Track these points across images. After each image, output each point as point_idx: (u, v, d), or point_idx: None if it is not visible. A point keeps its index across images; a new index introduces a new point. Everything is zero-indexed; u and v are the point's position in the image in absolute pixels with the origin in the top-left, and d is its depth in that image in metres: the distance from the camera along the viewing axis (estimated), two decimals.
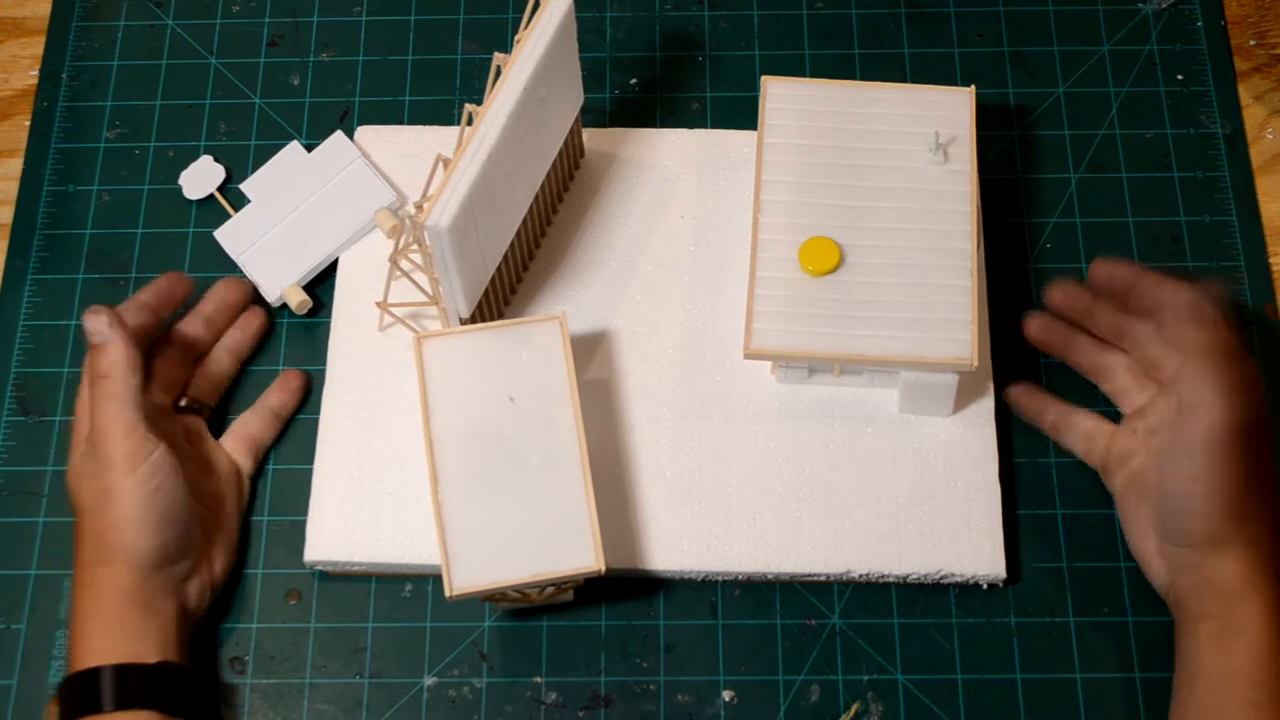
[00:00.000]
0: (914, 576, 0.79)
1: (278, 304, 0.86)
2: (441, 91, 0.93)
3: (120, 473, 0.74)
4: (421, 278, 0.80)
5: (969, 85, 0.84)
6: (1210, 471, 0.71)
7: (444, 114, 0.92)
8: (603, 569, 0.73)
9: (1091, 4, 0.95)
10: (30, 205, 0.90)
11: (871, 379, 0.82)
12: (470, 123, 0.76)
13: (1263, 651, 0.70)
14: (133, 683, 0.72)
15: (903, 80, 0.92)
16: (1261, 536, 0.72)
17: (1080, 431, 0.79)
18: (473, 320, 0.80)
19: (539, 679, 0.78)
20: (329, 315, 0.86)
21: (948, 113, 0.83)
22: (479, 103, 0.76)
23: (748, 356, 0.78)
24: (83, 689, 0.71)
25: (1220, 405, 0.70)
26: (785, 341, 0.78)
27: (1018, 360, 0.84)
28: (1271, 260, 0.87)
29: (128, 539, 0.74)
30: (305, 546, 0.79)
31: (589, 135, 0.89)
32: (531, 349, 0.78)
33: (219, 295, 0.85)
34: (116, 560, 0.74)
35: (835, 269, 0.79)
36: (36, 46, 0.96)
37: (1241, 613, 0.71)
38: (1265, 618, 0.70)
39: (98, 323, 0.75)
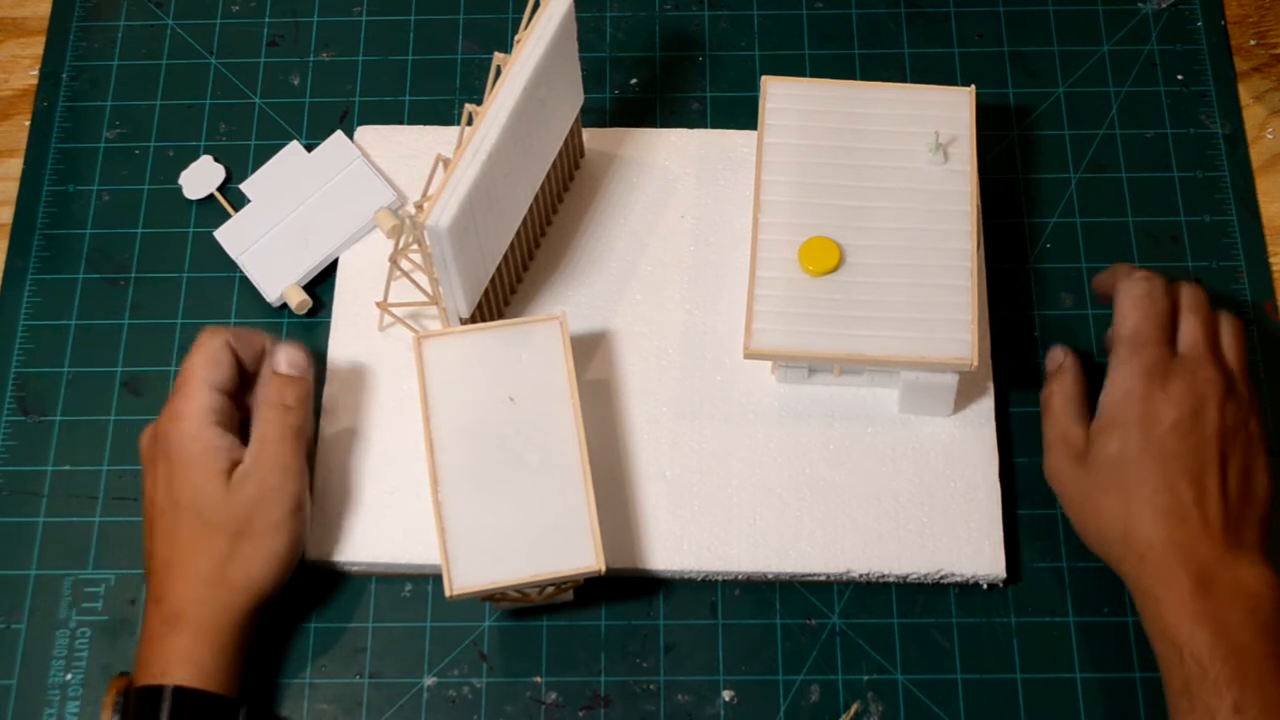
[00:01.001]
0: (914, 576, 0.79)
1: (278, 304, 0.86)
2: (441, 91, 0.93)
3: (289, 509, 0.76)
4: (421, 278, 0.80)
5: (969, 85, 0.84)
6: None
7: (444, 114, 0.92)
8: (603, 569, 0.73)
9: (1091, 4, 0.95)
10: (30, 205, 0.90)
11: (871, 379, 0.82)
12: (470, 123, 0.76)
13: (1173, 690, 0.71)
14: (219, 715, 0.72)
15: (903, 80, 0.92)
16: (1148, 550, 0.72)
17: None
18: (473, 320, 0.80)
19: (539, 679, 0.78)
20: (329, 315, 0.86)
21: (948, 113, 0.83)
22: (479, 103, 0.76)
23: (748, 356, 0.78)
24: (161, 704, 0.71)
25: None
26: (785, 341, 0.78)
27: (1018, 360, 0.84)
28: (1271, 260, 0.87)
29: (272, 572, 0.76)
30: (305, 546, 0.79)
31: (589, 135, 0.89)
32: (531, 349, 0.78)
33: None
34: (247, 589, 0.75)
35: (835, 269, 0.79)
36: (36, 46, 0.96)
37: (1152, 634, 0.73)
38: (1162, 643, 0.71)
39: (294, 356, 0.79)
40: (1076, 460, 0.76)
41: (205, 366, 0.77)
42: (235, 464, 0.76)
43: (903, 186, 0.81)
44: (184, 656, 0.73)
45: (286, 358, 0.79)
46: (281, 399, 0.77)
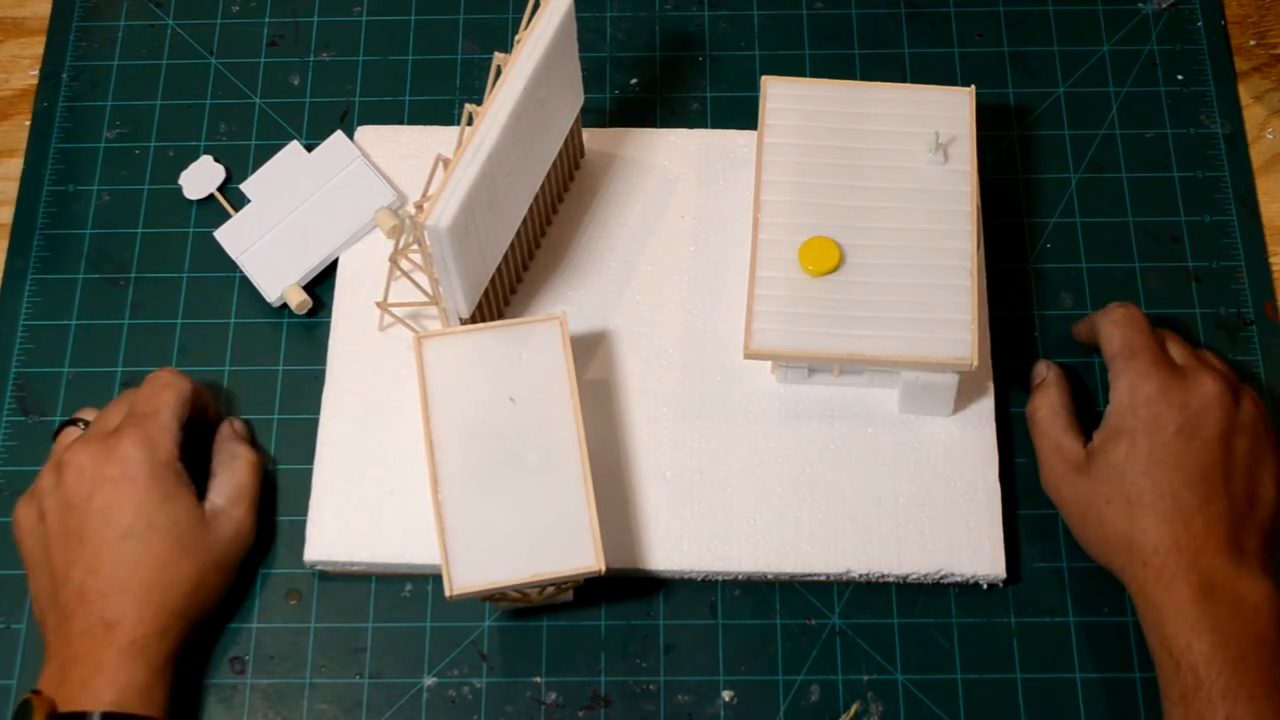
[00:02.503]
0: (914, 576, 0.79)
1: (278, 304, 0.86)
2: (441, 91, 0.93)
3: (245, 552, 0.79)
4: (421, 278, 0.80)
5: (969, 85, 0.84)
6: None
7: (444, 114, 0.92)
8: (603, 569, 0.72)
9: (1091, 4, 0.95)
10: (30, 205, 0.90)
11: (871, 379, 0.82)
12: (470, 123, 0.76)
13: (1170, 699, 0.71)
14: None
15: (903, 80, 0.92)
16: (1151, 556, 0.72)
17: None
18: (473, 320, 0.80)
19: (539, 679, 0.78)
20: (329, 315, 0.86)
21: (948, 112, 0.83)
22: (479, 103, 0.76)
23: (748, 356, 0.78)
24: None
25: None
26: (785, 341, 0.78)
27: (1018, 360, 0.84)
28: (1271, 260, 0.87)
29: (216, 607, 0.78)
30: (305, 546, 0.79)
31: (589, 135, 0.89)
32: (531, 349, 0.78)
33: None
34: (196, 622, 0.76)
35: (835, 269, 0.79)
36: (36, 46, 0.96)
37: (1151, 642, 0.73)
38: (1161, 651, 0.72)
39: (243, 425, 0.83)
40: (1075, 470, 0.76)
41: (178, 403, 0.78)
42: (198, 499, 0.77)
43: (903, 186, 0.81)
44: (137, 686, 0.72)
45: (240, 426, 0.83)
46: (252, 451, 0.81)
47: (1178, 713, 0.70)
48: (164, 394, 0.78)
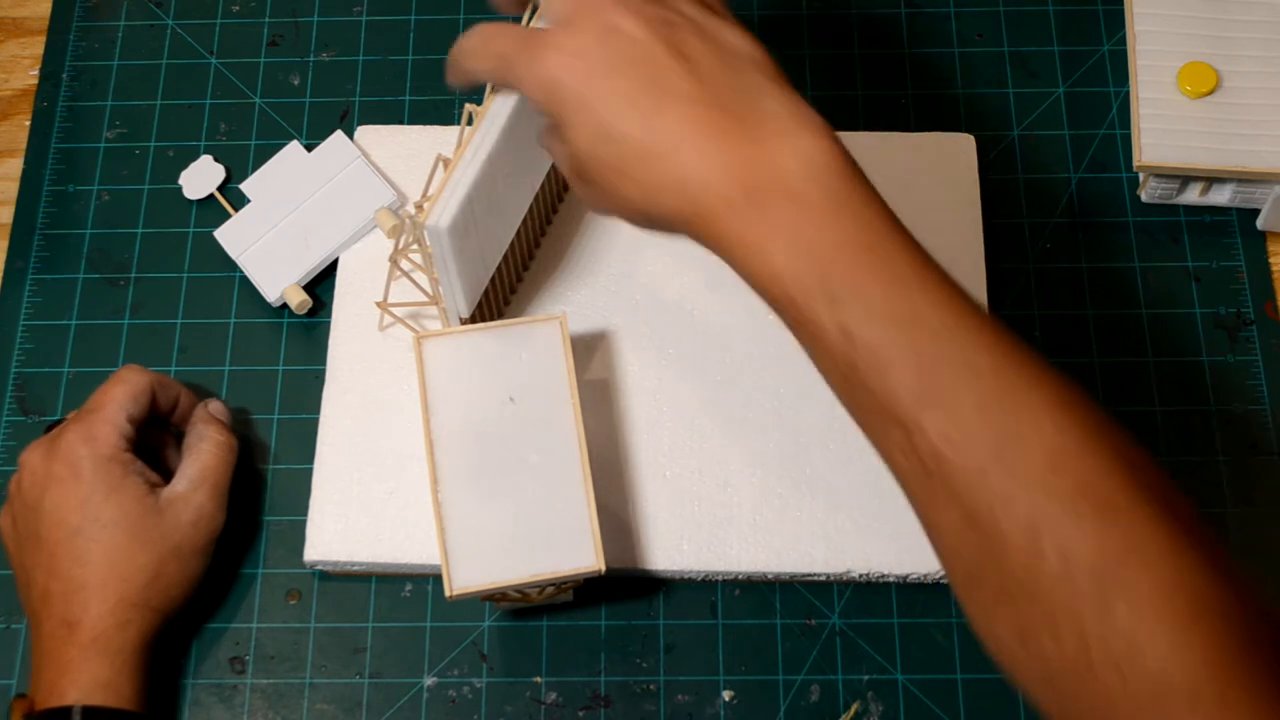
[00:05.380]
0: (914, 576, 0.79)
1: (278, 304, 0.86)
2: (441, 91, 0.93)
3: (214, 535, 0.78)
4: (421, 278, 0.80)
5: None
6: None
7: (444, 114, 0.92)
8: (603, 569, 0.72)
9: (1091, 4, 0.95)
10: (30, 205, 0.90)
11: (1234, 195, 0.87)
12: (470, 123, 0.76)
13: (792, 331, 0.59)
14: None
15: (901, 82, 0.92)
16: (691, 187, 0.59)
17: None
18: (473, 320, 0.80)
19: (539, 679, 0.78)
20: (329, 315, 0.86)
21: None
22: (479, 103, 0.76)
23: (1138, 168, 0.84)
24: None
25: None
26: (1170, 156, 0.84)
27: None
28: (1271, 260, 0.87)
29: (187, 595, 0.77)
30: (305, 546, 0.79)
31: None
32: (531, 349, 0.78)
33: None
34: (163, 611, 0.75)
35: (1212, 91, 0.85)
36: (36, 46, 0.96)
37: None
38: (760, 292, 0.59)
39: (222, 408, 0.82)
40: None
41: (126, 397, 0.77)
42: (152, 487, 0.76)
43: (1273, 20, 0.87)
44: (101, 682, 0.71)
45: (217, 407, 0.81)
46: (221, 432, 0.79)
47: (802, 341, 0.59)
48: (114, 389, 0.77)
